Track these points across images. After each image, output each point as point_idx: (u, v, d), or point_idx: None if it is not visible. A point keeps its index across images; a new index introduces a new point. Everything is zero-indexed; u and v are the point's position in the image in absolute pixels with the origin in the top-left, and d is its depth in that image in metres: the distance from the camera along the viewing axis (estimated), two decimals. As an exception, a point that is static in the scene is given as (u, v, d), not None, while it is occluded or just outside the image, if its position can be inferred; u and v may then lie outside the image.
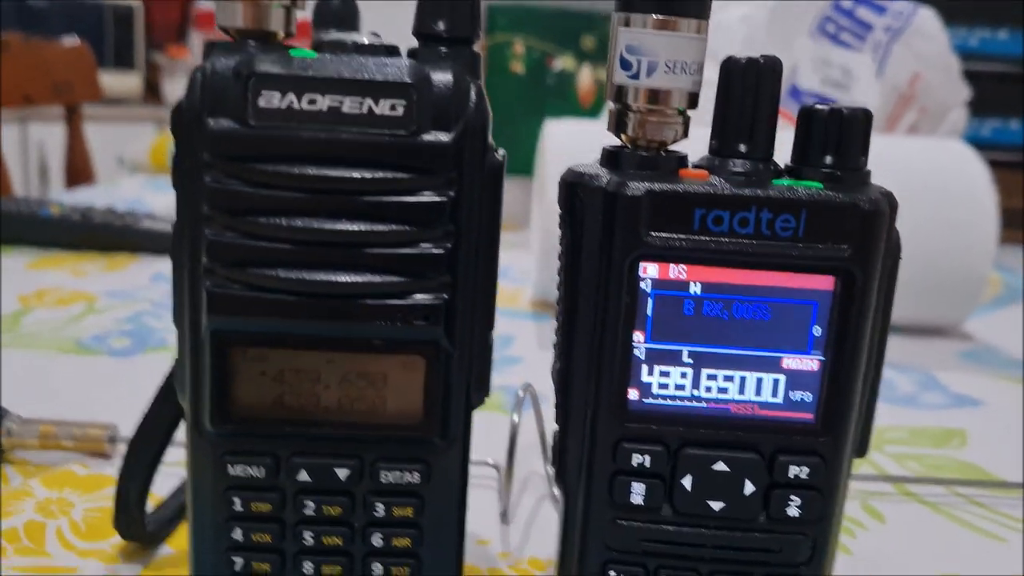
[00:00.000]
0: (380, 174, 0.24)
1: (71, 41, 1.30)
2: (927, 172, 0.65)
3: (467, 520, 0.28)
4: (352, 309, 0.25)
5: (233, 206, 0.24)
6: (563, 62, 0.96)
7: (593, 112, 0.96)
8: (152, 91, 2.72)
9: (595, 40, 0.95)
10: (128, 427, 0.42)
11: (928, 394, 0.56)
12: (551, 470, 0.36)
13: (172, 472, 0.35)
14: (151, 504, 0.33)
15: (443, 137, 0.24)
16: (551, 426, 0.29)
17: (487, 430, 0.35)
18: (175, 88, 2.63)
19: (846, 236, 0.25)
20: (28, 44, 1.23)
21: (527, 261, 0.79)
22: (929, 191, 0.64)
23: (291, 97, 0.24)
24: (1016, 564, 0.36)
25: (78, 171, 1.31)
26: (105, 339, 0.55)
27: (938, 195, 0.64)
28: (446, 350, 0.26)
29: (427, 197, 0.25)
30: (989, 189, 0.64)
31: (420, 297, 0.25)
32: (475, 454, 0.28)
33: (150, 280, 0.68)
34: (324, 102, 0.24)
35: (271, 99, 0.24)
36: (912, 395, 0.55)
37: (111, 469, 0.39)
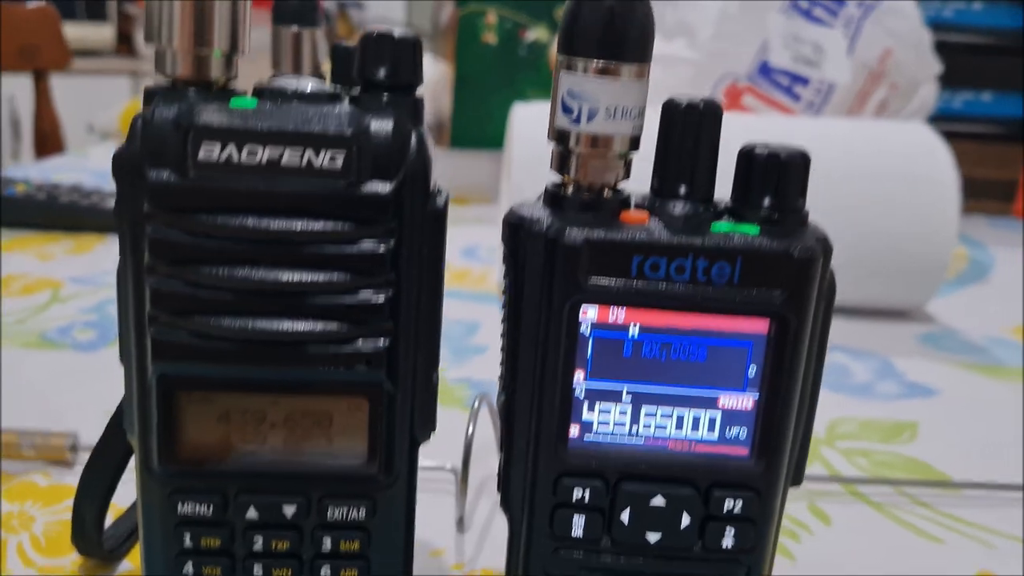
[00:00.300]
0: (320, 225, 0.24)
1: (36, 3, 1.27)
2: (890, 156, 0.66)
3: (423, 528, 0.29)
4: (295, 355, 0.25)
5: (175, 256, 0.25)
6: (536, 33, 0.95)
7: (565, 84, 0.95)
8: (125, 42, 2.68)
9: (568, 11, 0.94)
10: (91, 428, 0.43)
11: (883, 383, 0.57)
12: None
13: (131, 478, 0.35)
14: (110, 516, 0.33)
15: (383, 188, 0.25)
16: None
17: (447, 429, 0.35)
18: (149, 39, 2.59)
19: (780, 282, 0.26)
20: (-8, 5, 1.20)
21: (495, 238, 0.79)
22: (892, 175, 0.64)
23: (231, 149, 0.24)
24: (948, 565, 0.38)
25: (47, 138, 1.29)
26: (69, 331, 0.55)
27: (901, 179, 0.64)
28: (389, 392, 0.26)
29: (367, 247, 0.25)
30: (952, 174, 0.65)
31: (362, 343, 0.25)
32: (433, 455, 0.28)
33: (115, 263, 0.68)
34: (264, 154, 0.24)
35: (211, 151, 0.24)
36: (867, 384, 0.56)
37: (72, 478, 0.39)
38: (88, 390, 0.48)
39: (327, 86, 0.26)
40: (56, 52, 1.29)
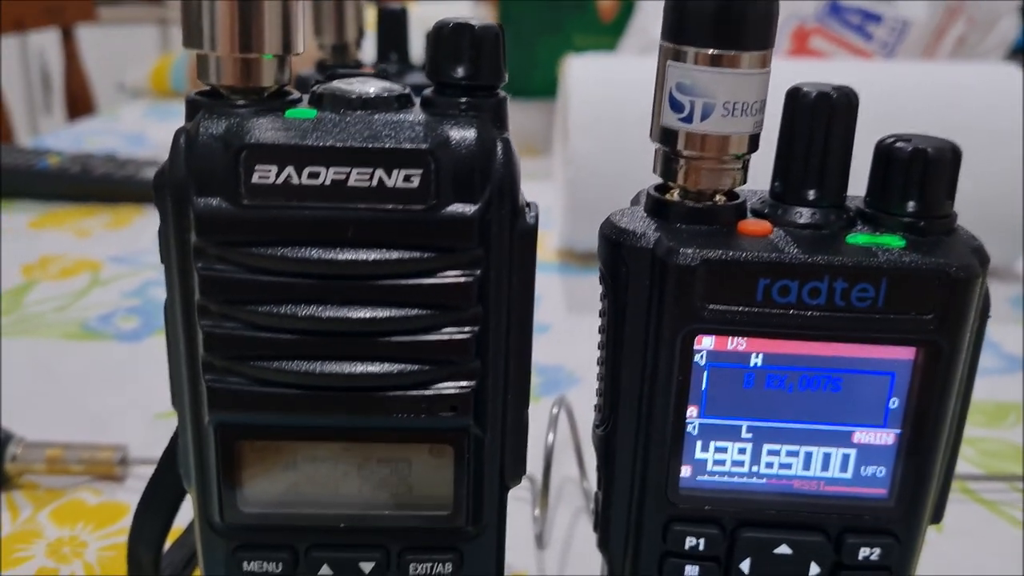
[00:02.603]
0: (395, 255, 0.21)
1: (60, -42, 1.23)
2: (975, 105, 0.60)
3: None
4: (370, 402, 0.22)
5: (229, 295, 0.21)
6: (582, -26, 0.90)
7: (615, 28, 0.90)
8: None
9: (616, -51, 0.89)
10: (139, 435, 0.40)
11: (981, 355, 0.52)
12: (586, 485, 0.33)
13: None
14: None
15: (467, 209, 0.21)
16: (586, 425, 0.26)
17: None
18: (175, -15, 2.54)
19: (931, 305, 0.22)
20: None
21: (549, 195, 0.75)
22: (977, 127, 0.59)
23: (289, 171, 0.20)
24: (1083, 580, 0.34)
25: (77, 98, 1.26)
26: (111, 319, 0.53)
27: (987, 131, 0.59)
28: (477, 437, 0.23)
29: (450, 278, 0.21)
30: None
31: (446, 386, 0.22)
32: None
33: (155, 240, 0.65)
34: (327, 175, 0.21)
35: (266, 174, 0.20)
36: (961, 357, 0.52)
37: (123, 493, 0.37)
38: (134, 389, 0.45)
39: (396, 87, 0.22)
40: (82, 9, 1.25)
